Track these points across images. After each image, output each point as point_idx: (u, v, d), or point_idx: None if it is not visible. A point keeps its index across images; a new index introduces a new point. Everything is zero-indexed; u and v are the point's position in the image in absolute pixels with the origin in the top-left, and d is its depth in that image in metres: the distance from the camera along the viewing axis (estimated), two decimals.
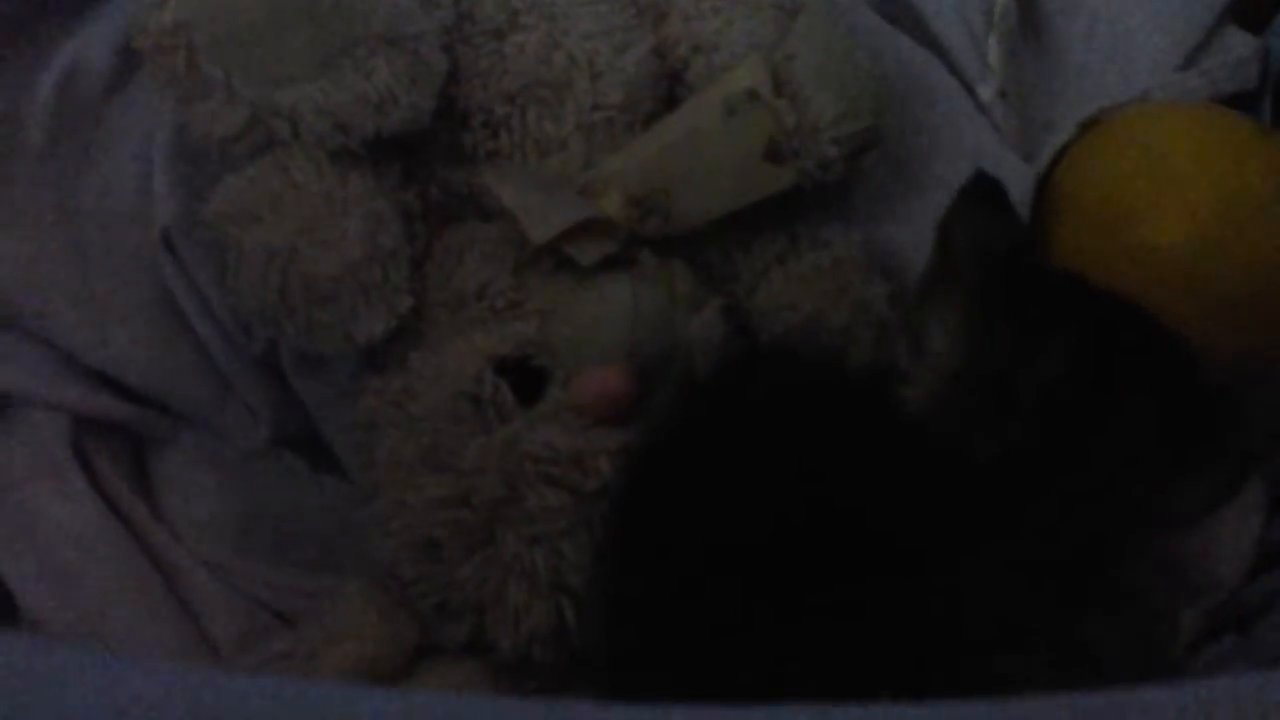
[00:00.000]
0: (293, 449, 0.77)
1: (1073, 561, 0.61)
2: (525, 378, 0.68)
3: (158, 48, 0.66)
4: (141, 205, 0.76)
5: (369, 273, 0.68)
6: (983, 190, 0.66)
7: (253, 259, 0.67)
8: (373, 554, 0.67)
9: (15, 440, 0.75)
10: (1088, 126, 0.83)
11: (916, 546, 0.59)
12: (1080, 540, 0.61)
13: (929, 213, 0.77)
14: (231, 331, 0.75)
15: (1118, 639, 0.62)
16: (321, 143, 0.67)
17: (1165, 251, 0.73)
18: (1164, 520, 0.63)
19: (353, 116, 0.67)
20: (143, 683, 0.41)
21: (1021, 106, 0.84)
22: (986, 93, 0.83)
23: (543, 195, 0.69)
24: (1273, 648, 0.63)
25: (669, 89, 0.76)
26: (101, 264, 0.76)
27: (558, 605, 0.65)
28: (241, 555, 0.74)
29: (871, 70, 0.75)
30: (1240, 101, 0.87)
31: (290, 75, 0.66)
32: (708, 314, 0.71)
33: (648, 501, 0.66)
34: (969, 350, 0.62)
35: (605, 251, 0.68)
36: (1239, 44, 0.87)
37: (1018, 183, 0.78)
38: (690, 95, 0.74)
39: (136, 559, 0.73)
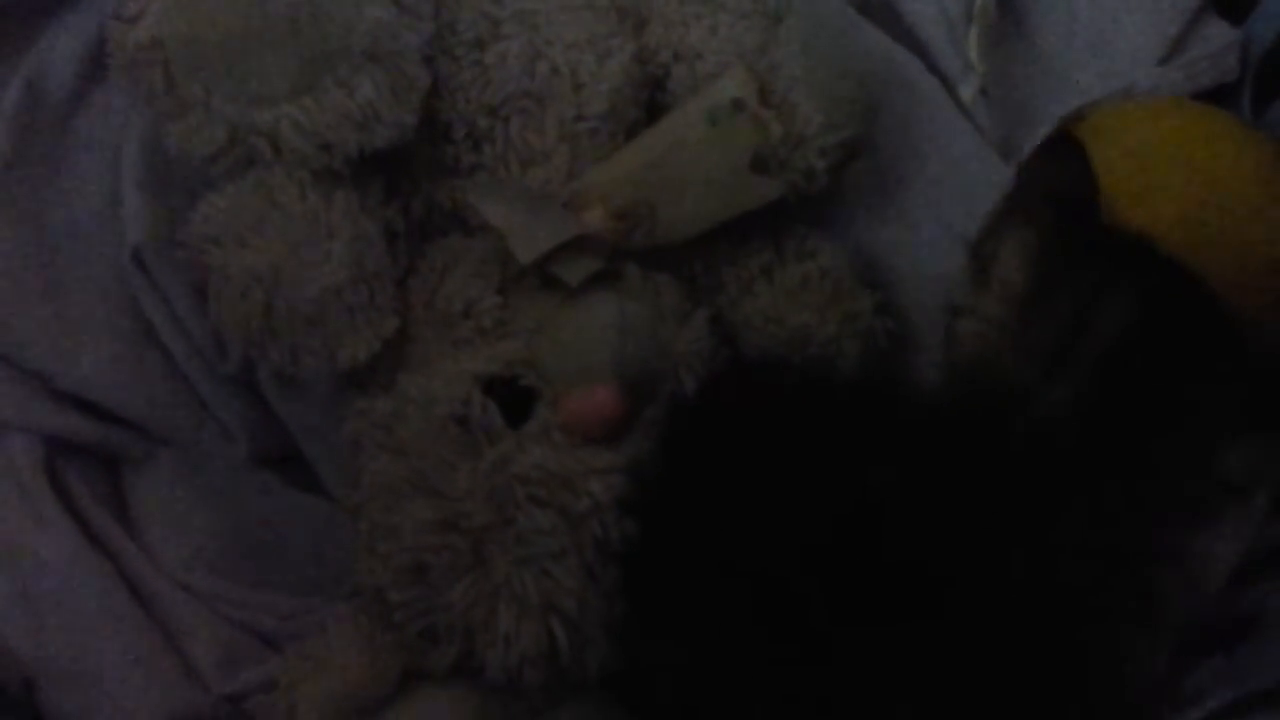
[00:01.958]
0: (272, 468, 0.77)
1: (1104, 571, 0.61)
2: (513, 398, 0.67)
3: (135, 63, 0.65)
4: (110, 220, 0.75)
5: (354, 295, 0.67)
6: (1065, 141, 0.66)
7: (236, 282, 0.66)
8: (358, 576, 0.66)
9: None
10: (1069, 122, 0.83)
11: (944, 571, 0.59)
12: (1115, 542, 0.61)
13: (912, 217, 0.78)
14: (206, 351, 0.75)
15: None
16: (304, 162, 0.66)
17: None
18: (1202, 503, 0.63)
19: (336, 134, 0.66)
20: None
21: (1003, 103, 0.83)
22: (967, 92, 0.83)
23: (528, 213, 0.68)
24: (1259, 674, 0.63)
25: (651, 96, 0.75)
26: (70, 281, 0.76)
27: (548, 627, 0.64)
28: (222, 577, 0.74)
29: (858, 77, 0.74)
30: (1221, 93, 0.86)
31: (271, 93, 0.65)
32: (694, 327, 0.71)
33: (655, 529, 0.66)
34: (1043, 279, 0.62)
35: (591, 270, 0.68)
36: (1218, 35, 0.87)
37: (999, 183, 0.78)
38: (673, 103, 0.74)
39: (115, 585, 0.72)
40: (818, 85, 0.72)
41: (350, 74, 0.65)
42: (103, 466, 0.76)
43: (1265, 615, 0.67)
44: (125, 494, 0.76)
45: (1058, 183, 0.67)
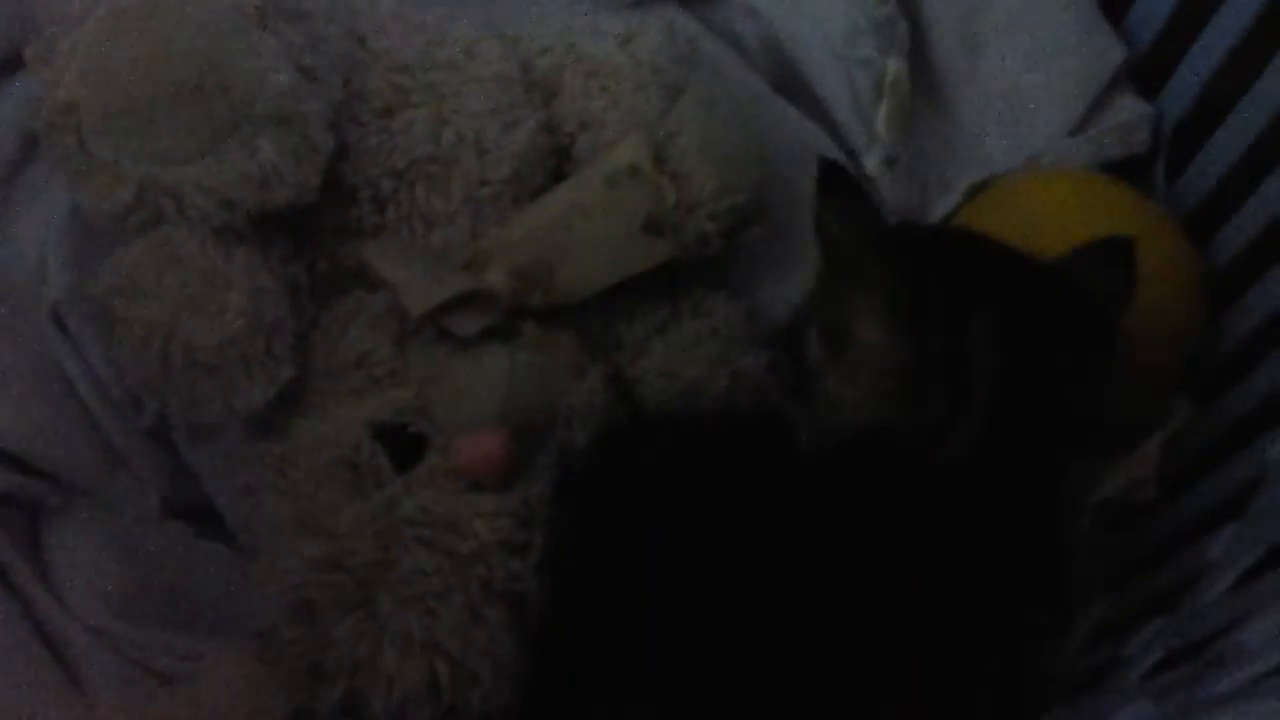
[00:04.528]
0: (183, 517, 0.79)
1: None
2: (403, 444, 0.70)
3: (50, 126, 0.69)
4: (36, 280, 0.78)
5: (250, 345, 0.70)
6: (833, 178, 0.67)
7: (137, 332, 0.69)
8: (254, 618, 0.69)
9: None
10: (975, 191, 0.86)
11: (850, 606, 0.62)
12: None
13: (808, 282, 0.80)
14: (121, 404, 0.77)
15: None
16: (206, 219, 0.69)
17: None
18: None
19: (238, 194, 0.69)
20: None
21: (911, 172, 0.86)
22: (871, 162, 0.86)
23: (423, 269, 0.71)
24: (1203, 625, 0.65)
25: (557, 164, 0.78)
26: None
27: (431, 666, 0.67)
28: (129, 621, 0.76)
29: (752, 148, 0.78)
30: (1132, 165, 0.89)
31: (176, 154, 0.68)
32: (589, 381, 0.73)
33: (564, 566, 0.69)
34: (911, 333, 0.63)
35: (483, 323, 0.71)
36: (1129, 109, 0.90)
37: None
38: (575, 169, 0.77)
39: (19, 626, 0.74)
40: (711, 154, 0.75)
41: (253, 136, 0.69)
42: (20, 514, 0.78)
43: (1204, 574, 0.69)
44: (41, 539, 0.79)
45: (853, 217, 0.67)
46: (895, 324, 0.64)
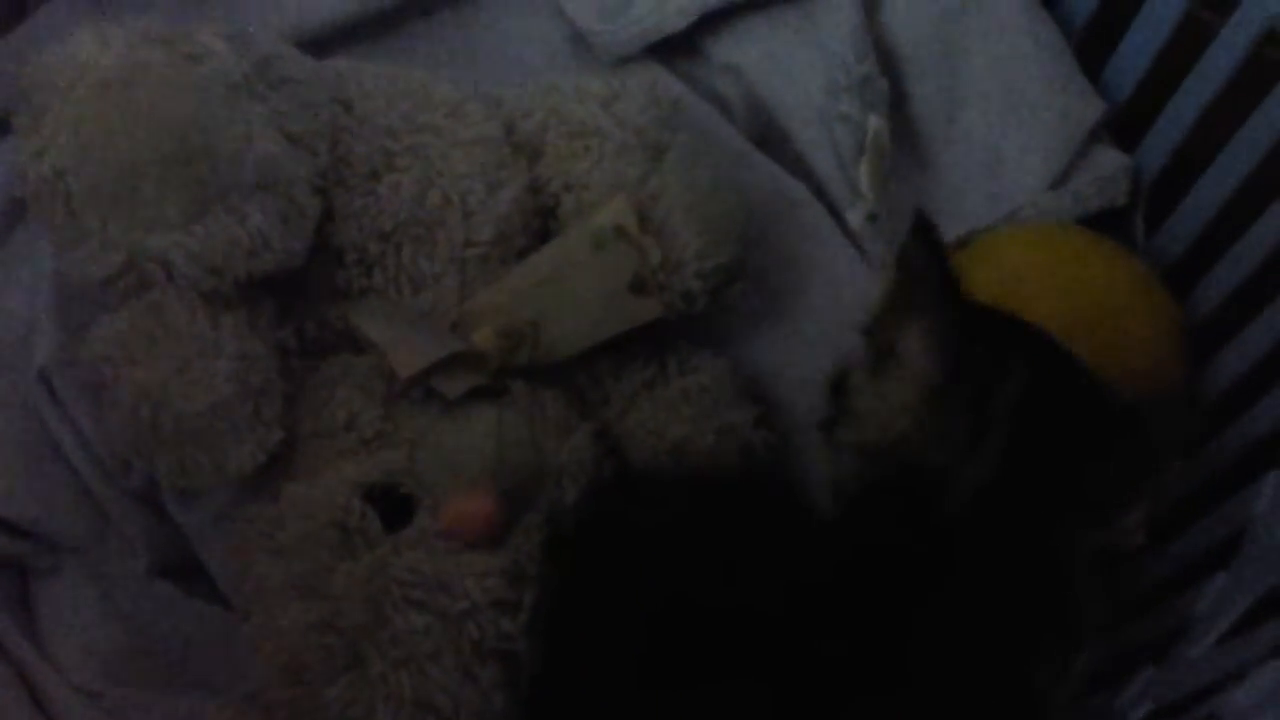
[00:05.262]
0: (174, 577, 0.79)
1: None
2: (392, 505, 0.71)
3: (37, 195, 0.69)
4: (24, 343, 0.79)
5: (240, 410, 0.70)
6: (925, 228, 0.68)
7: (125, 398, 0.70)
8: (246, 680, 0.69)
9: None
10: (957, 246, 0.87)
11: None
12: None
13: (795, 335, 0.81)
14: (109, 466, 0.77)
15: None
16: (195, 285, 0.70)
17: None
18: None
19: (225, 260, 0.69)
20: None
21: (893, 228, 0.87)
22: (855, 218, 0.86)
23: (410, 330, 0.72)
24: (1193, 678, 0.65)
25: (543, 225, 0.79)
26: None
27: None
28: (120, 682, 0.76)
29: (736, 207, 0.79)
30: (1112, 218, 0.90)
31: (164, 221, 0.68)
32: (578, 439, 0.74)
33: (554, 624, 0.69)
34: (952, 361, 0.65)
35: (471, 384, 0.71)
36: (1108, 162, 0.90)
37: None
38: (560, 230, 0.78)
39: (12, 689, 0.75)
40: (695, 213, 0.76)
41: (241, 202, 0.69)
42: (9, 575, 0.79)
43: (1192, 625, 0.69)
44: (32, 600, 0.79)
45: (936, 262, 0.69)
46: (938, 348, 0.66)
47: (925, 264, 0.67)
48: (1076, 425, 0.67)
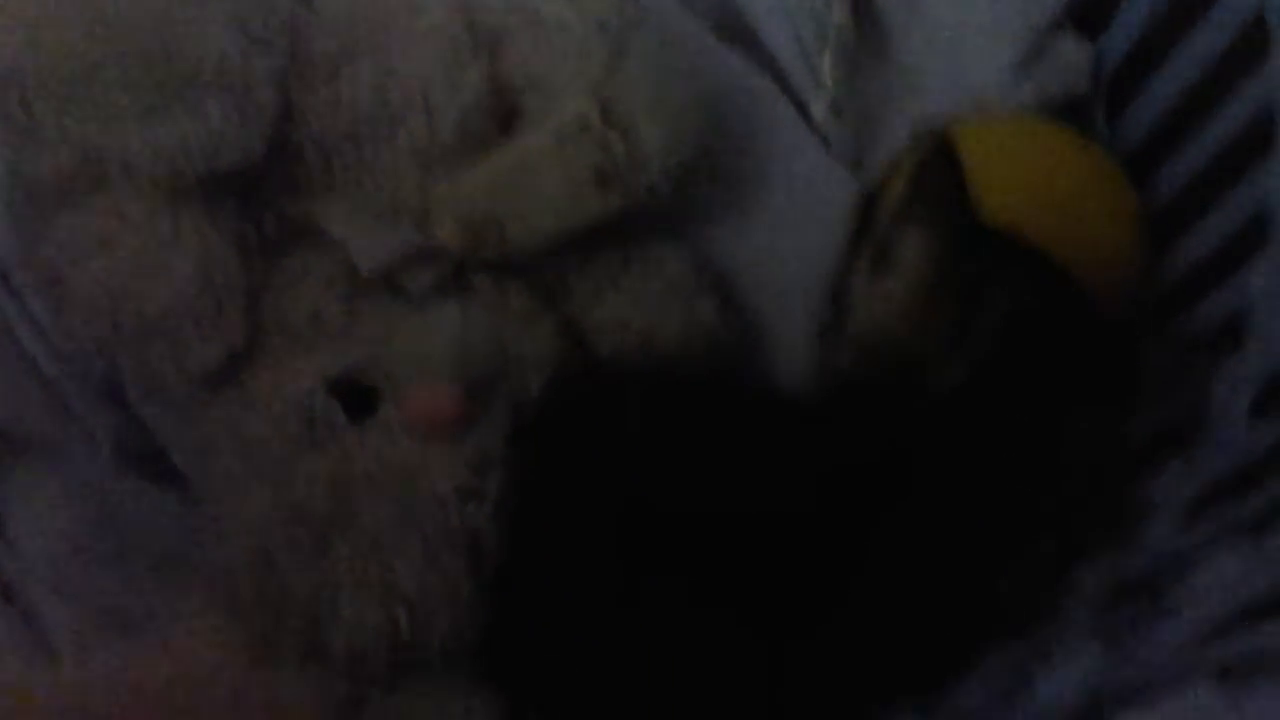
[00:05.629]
0: (137, 465, 0.79)
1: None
2: (357, 398, 0.71)
3: None
4: None
5: (201, 306, 0.70)
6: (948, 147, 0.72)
7: (85, 296, 0.70)
8: (212, 569, 0.70)
9: None
10: (919, 136, 0.87)
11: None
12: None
13: (759, 226, 0.82)
14: (70, 358, 0.78)
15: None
16: (154, 183, 0.69)
17: None
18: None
19: (184, 158, 0.69)
20: None
21: (856, 119, 0.87)
22: (819, 110, 0.86)
23: (372, 225, 0.72)
24: (1148, 564, 0.66)
25: (505, 118, 0.78)
26: None
27: (390, 612, 0.68)
28: (84, 570, 0.77)
29: (699, 100, 0.78)
30: (1072, 106, 0.90)
31: (122, 118, 0.68)
32: (542, 332, 0.75)
33: (524, 518, 0.70)
34: (941, 270, 0.68)
35: (435, 279, 0.72)
36: (1070, 51, 0.90)
37: (843, 202, 0.82)
38: (524, 124, 0.77)
39: None
40: (659, 108, 0.76)
41: (200, 100, 0.69)
42: None
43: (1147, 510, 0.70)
44: None
45: (942, 184, 0.71)
46: (937, 254, 0.69)
47: (942, 182, 0.69)
48: (1063, 335, 0.70)
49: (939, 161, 0.72)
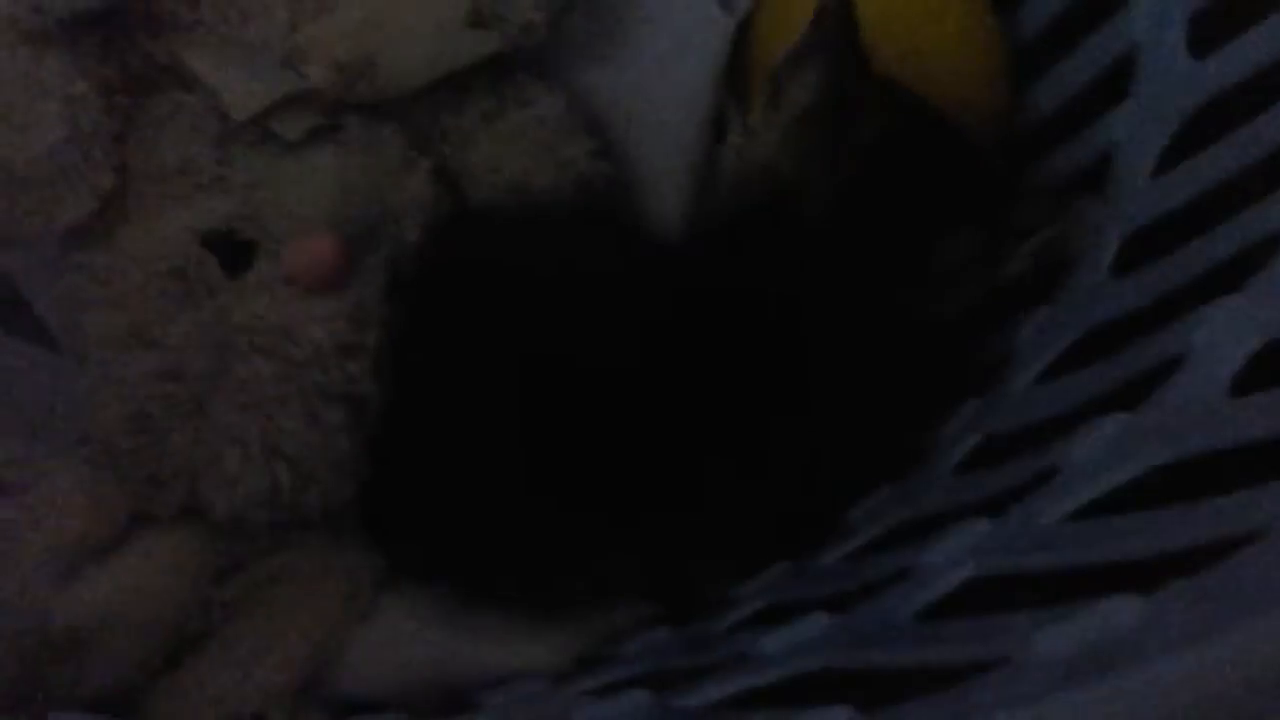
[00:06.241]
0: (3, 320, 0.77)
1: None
2: (233, 251, 0.69)
3: None
4: None
5: (70, 155, 0.68)
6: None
7: None
8: (87, 426, 0.69)
9: None
10: None
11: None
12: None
13: (631, 63, 0.80)
14: None
15: None
16: (14, 24, 0.66)
17: None
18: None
19: None
20: None
21: None
22: None
23: (244, 68, 0.69)
24: (1019, 415, 0.68)
25: None
26: None
27: (271, 469, 0.68)
28: None
29: None
30: None
31: None
32: (416, 178, 0.73)
33: (405, 370, 0.70)
34: (823, 102, 0.70)
35: (310, 125, 0.70)
36: None
37: (718, 34, 0.81)
38: None
39: None
40: None
41: None
42: None
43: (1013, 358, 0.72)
44: None
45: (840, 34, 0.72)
46: (825, 95, 0.71)
47: (839, 26, 0.71)
48: (931, 160, 0.72)
49: (841, 13, 0.71)
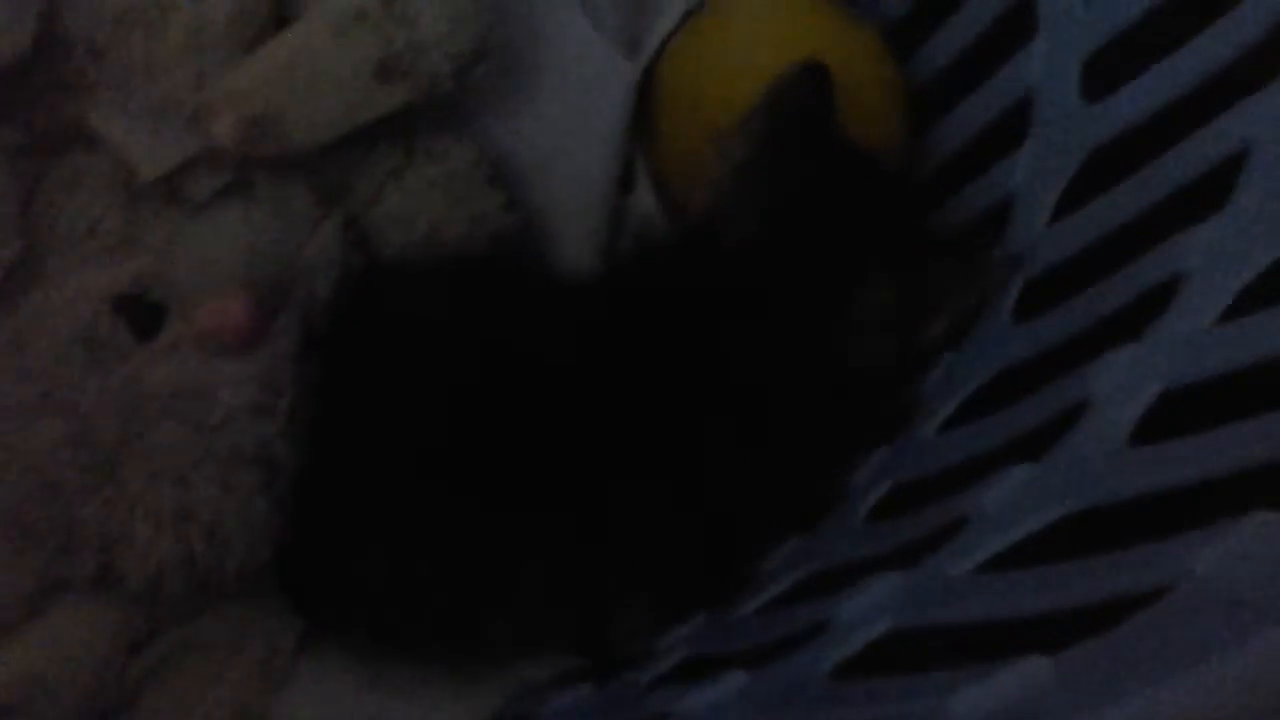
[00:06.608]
0: None
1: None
2: (143, 314, 0.69)
3: None
4: None
5: None
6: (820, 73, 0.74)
7: None
8: None
9: None
10: (690, 14, 0.87)
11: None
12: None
13: (540, 112, 0.81)
14: None
15: None
16: None
17: None
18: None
19: None
20: None
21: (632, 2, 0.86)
22: None
23: (151, 128, 0.69)
24: (926, 461, 0.68)
25: (279, 9, 0.76)
26: None
27: (185, 536, 0.67)
28: None
29: None
30: None
31: None
32: (325, 234, 0.73)
33: (315, 421, 0.69)
34: (757, 154, 0.72)
35: (218, 183, 0.69)
36: None
37: (624, 82, 0.82)
38: (299, 14, 0.75)
39: None
40: None
41: None
42: None
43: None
44: None
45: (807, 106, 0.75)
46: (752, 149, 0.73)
47: (806, 103, 0.73)
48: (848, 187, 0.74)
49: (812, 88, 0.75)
